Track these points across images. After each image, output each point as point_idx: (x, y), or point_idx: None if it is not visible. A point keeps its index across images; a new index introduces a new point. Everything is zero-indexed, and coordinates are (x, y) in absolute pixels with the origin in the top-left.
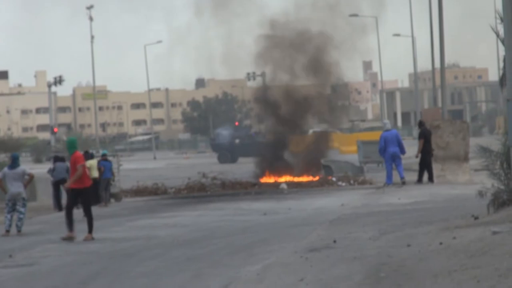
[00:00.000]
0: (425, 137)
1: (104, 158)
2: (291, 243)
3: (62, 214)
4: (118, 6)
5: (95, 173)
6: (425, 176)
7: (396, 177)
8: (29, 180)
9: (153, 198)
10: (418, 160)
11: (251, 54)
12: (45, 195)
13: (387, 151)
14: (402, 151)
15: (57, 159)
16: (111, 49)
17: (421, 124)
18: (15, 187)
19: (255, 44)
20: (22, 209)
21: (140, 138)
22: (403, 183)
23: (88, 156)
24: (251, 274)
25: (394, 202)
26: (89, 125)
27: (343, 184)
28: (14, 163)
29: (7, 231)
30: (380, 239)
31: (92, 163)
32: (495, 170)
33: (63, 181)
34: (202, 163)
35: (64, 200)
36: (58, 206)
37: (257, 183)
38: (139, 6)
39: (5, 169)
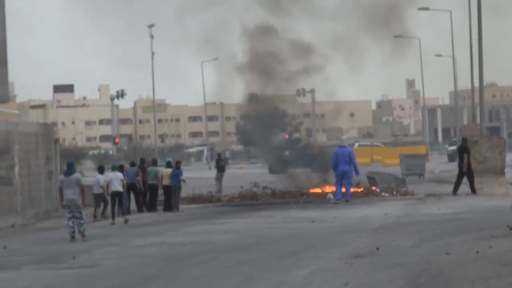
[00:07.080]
0: (468, 152)
1: (177, 166)
2: (337, 250)
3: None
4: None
5: (165, 181)
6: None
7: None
8: (82, 194)
9: (207, 206)
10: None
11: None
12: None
13: (338, 169)
14: (356, 171)
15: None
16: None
17: (464, 141)
18: (70, 194)
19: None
20: (79, 215)
21: (196, 149)
22: (335, 203)
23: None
24: (298, 278)
25: (434, 212)
26: (149, 136)
27: (386, 195)
28: (69, 169)
29: (72, 237)
30: (420, 247)
31: (164, 171)
32: None
33: (132, 185)
34: (254, 173)
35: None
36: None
37: (306, 192)
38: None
39: (62, 176)
